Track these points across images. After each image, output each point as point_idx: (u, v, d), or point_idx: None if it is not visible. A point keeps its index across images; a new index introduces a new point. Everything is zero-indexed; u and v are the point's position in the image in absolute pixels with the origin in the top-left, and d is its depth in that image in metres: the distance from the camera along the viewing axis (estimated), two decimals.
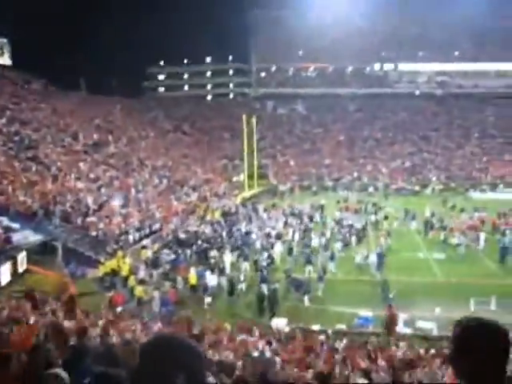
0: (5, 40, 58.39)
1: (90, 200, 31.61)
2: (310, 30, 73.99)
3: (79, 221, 28.80)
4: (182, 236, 30.95)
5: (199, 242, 29.99)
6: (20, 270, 23.22)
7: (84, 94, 63.89)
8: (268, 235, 31.78)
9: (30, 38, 60.83)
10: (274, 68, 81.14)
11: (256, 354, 10.14)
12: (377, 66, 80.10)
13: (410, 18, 76.67)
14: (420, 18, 76.71)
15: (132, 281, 23.52)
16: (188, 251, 28.75)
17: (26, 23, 58.24)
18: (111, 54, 70.79)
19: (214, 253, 27.95)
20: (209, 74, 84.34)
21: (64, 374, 3.95)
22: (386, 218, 36.19)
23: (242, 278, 24.32)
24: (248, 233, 32.57)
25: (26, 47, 59.57)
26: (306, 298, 21.85)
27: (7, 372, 4.47)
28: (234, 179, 52.15)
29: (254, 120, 49.60)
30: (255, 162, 49.05)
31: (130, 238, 28.98)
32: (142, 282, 23.85)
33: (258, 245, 30.32)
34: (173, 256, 27.05)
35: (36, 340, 6.53)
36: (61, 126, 45.37)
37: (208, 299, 22.29)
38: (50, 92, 56.82)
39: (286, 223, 35.22)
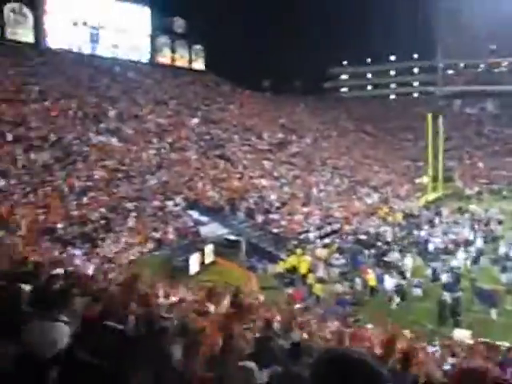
0: (200, 47, 62.63)
1: (272, 197, 32.44)
2: (504, 20, 68.23)
3: (262, 217, 29.68)
4: (362, 237, 30.42)
5: (379, 244, 29.26)
6: (207, 261, 24.51)
7: (269, 95, 65.95)
8: (452, 241, 29.96)
9: (221, 43, 64.26)
10: (462, 64, 76.61)
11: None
12: None
13: None
14: None
15: (311, 278, 23.64)
16: (367, 252, 28.20)
17: (217, 30, 61.57)
18: (295, 55, 72.26)
19: (394, 256, 27.10)
20: (393, 72, 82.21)
21: (253, 366, 3.88)
22: None
23: (418, 283, 23.22)
24: (430, 237, 31.02)
25: (218, 52, 63.11)
26: (492, 311, 20.07)
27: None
28: (417, 181, 50.06)
29: (439, 120, 47.16)
30: (440, 164, 46.64)
31: (311, 236, 29.14)
32: (320, 280, 23.90)
33: (440, 250, 28.72)
34: (342, 261, 26.62)
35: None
36: (247, 125, 47.31)
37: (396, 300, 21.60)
38: (238, 93, 59.60)
39: (472, 229, 32.90)
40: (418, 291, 22.72)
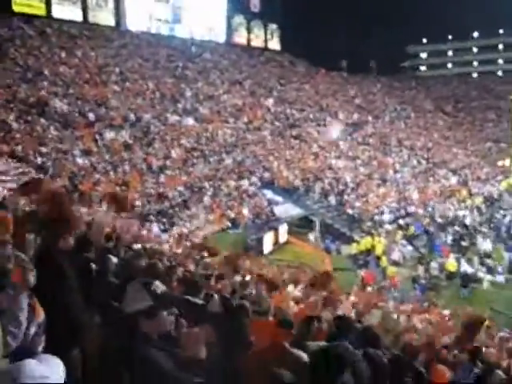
0: (275, 26, 62.31)
1: (347, 178, 32.08)
2: None
3: (336, 198, 29.44)
4: (439, 220, 29.58)
5: (457, 228, 28.37)
6: (281, 240, 24.64)
7: (345, 74, 64.85)
8: None
9: (296, 23, 63.66)
10: None
11: None
12: None
13: None
14: None
15: (384, 261, 23.34)
16: (443, 236, 27.47)
17: (293, 9, 60.90)
18: (371, 33, 70.46)
19: (473, 241, 26.26)
20: (475, 50, 78.68)
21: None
22: None
23: (500, 269, 22.42)
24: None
25: (293, 31, 62.59)
26: None
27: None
28: (499, 163, 48.05)
29: None
30: None
31: (386, 218, 28.64)
32: (394, 263, 23.59)
33: None
34: (418, 244, 25.89)
35: None
36: (322, 105, 46.84)
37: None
38: (313, 73, 58.98)
39: None
40: (500, 278, 21.99)
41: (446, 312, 15.57)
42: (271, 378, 3.31)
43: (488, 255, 24.13)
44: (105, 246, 6.70)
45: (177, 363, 2.58)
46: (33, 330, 2.76)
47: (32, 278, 3.07)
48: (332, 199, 29.40)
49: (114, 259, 6.18)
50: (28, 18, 36.85)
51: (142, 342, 2.61)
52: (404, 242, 26.29)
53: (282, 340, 4.26)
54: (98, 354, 3.12)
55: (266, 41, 61.39)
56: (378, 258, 23.94)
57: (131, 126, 28.56)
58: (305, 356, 4.00)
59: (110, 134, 26.59)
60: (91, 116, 27.46)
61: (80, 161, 23.06)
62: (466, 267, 22.37)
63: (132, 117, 29.21)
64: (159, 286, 2.92)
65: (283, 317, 5.39)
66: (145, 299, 2.75)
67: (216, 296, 6.55)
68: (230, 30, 56.49)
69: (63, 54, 33.74)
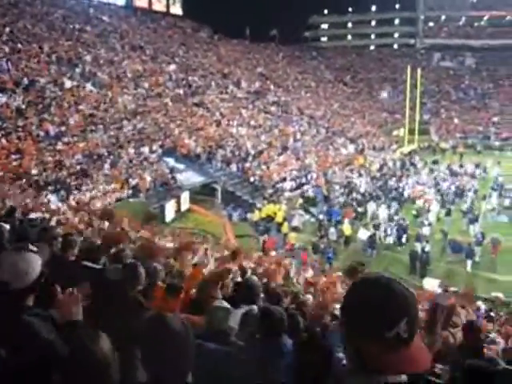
0: None
1: (249, 146, 32.43)
2: None
3: (238, 166, 29.74)
4: (337, 188, 30.75)
5: (354, 195, 29.64)
6: (183, 208, 24.65)
7: (247, 42, 64.90)
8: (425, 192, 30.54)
9: None
10: (443, 17, 75.83)
11: None
12: None
13: None
14: None
15: (285, 228, 24.02)
16: (342, 202, 28.65)
17: None
18: (275, 2, 70.68)
19: (368, 206, 27.57)
20: (373, 23, 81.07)
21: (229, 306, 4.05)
22: None
23: (390, 232, 23.78)
24: (404, 189, 31.55)
25: None
26: (468, 262, 20.61)
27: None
28: (394, 133, 50.42)
29: (418, 72, 47.03)
30: (417, 117, 46.81)
31: (286, 185, 29.36)
32: (295, 229, 24.31)
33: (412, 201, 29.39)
34: (306, 217, 26.74)
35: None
36: (225, 73, 46.74)
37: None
38: (216, 40, 58.60)
39: (445, 181, 33.41)
40: (390, 240, 23.33)
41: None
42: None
43: (381, 220, 25.42)
44: None
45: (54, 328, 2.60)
46: None
47: None
48: (234, 167, 29.64)
49: (7, 226, 6.00)
50: None
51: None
52: (304, 208, 27.13)
53: (167, 309, 4.34)
54: None
55: (167, 5, 60.11)
56: (279, 224, 24.59)
57: (24, 90, 27.10)
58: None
59: (1, 99, 25.15)
60: None
61: None
62: (361, 231, 23.53)
63: (25, 81, 27.71)
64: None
65: (170, 281, 5.46)
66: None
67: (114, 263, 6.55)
68: None
69: None
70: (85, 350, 1.92)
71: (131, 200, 22.83)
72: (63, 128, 25.46)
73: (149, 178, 24.67)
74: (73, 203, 19.71)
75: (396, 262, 21.46)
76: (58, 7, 42.34)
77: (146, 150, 27.29)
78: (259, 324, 3.71)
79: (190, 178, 26.81)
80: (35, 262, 2.69)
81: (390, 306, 1.50)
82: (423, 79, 50.59)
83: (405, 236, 23.36)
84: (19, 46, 31.61)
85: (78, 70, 32.55)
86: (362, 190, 30.84)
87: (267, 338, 3.55)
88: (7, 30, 32.72)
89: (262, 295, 5.66)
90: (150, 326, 2.17)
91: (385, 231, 23.78)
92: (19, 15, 36.71)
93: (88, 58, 35.17)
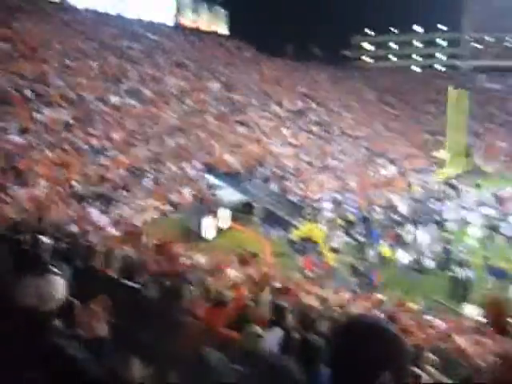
0: (223, 10, 61.97)
1: (289, 165, 32.42)
2: None
3: (278, 184, 29.71)
4: (378, 209, 30.35)
5: (394, 217, 29.21)
6: (221, 225, 24.67)
7: (290, 61, 65.15)
8: (467, 216, 29.84)
9: (244, 7, 63.41)
10: (488, 38, 74.70)
11: None
12: None
13: None
14: None
15: (324, 247, 23.77)
16: (381, 224, 28.23)
17: None
18: (318, 22, 70.94)
19: (408, 229, 27.08)
20: (417, 43, 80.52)
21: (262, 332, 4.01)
22: None
23: (432, 256, 23.27)
24: (445, 211, 30.92)
25: (241, 16, 62.26)
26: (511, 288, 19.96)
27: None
28: (436, 155, 49.59)
29: (462, 94, 46.31)
30: (460, 139, 45.98)
31: (326, 205, 29.15)
32: (333, 250, 24.03)
33: (454, 225, 28.66)
34: (345, 238, 26.38)
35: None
36: (267, 91, 47.00)
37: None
38: (259, 59, 59.03)
39: (489, 206, 32.56)
40: (431, 264, 22.82)
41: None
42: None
43: (421, 243, 24.95)
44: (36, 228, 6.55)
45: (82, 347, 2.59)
46: None
47: None
48: (273, 185, 29.64)
49: (47, 240, 6.09)
50: None
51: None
52: (343, 229, 26.84)
53: (214, 321, 4.33)
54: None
55: (213, 24, 60.92)
56: (318, 244, 24.35)
57: (72, 105, 27.82)
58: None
59: (48, 113, 25.83)
60: (28, 93, 26.56)
61: (16, 139, 22.34)
62: (401, 254, 23.14)
63: (73, 96, 28.46)
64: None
65: (217, 296, 5.47)
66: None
67: (152, 281, 6.58)
68: (178, 12, 55.78)
69: None
70: (115, 377, 1.89)
71: (171, 215, 23.02)
72: (107, 142, 25.97)
73: (188, 194, 24.86)
74: (114, 217, 20.02)
75: (436, 287, 20.95)
76: (108, 26, 43.41)
77: (186, 166, 27.55)
78: (297, 352, 3.65)
79: (229, 195, 26.87)
80: (59, 285, 2.70)
81: (373, 356, 1.46)
82: (468, 101, 49.72)
83: (446, 260, 22.83)
84: (69, 62, 32.50)
85: (123, 87, 33.23)
86: (402, 212, 30.36)
87: (304, 367, 3.48)
88: (59, 47, 33.71)
89: (290, 318, 5.59)
90: (189, 358, 2.15)
91: (425, 255, 23.29)
92: (71, 33, 37.80)
93: (133, 74, 35.90)
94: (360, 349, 1.46)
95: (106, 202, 21.34)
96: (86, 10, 44.45)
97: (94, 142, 25.43)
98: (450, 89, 46.06)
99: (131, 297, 5.22)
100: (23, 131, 23.14)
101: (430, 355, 6.79)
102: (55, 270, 2.85)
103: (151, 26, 49.60)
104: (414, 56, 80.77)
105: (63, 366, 2.35)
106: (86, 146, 24.77)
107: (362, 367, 1.46)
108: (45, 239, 6.07)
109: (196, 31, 57.43)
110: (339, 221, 27.51)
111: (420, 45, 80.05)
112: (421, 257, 23.14)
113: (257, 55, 59.89)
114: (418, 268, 22.35)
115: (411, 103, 64.93)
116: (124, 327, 4.42)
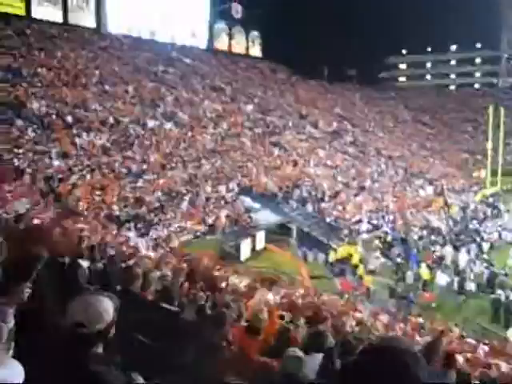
0: (257, 33, 62.55)
1: (326, 186, 32.22)
2: None
3: (314, 206, 29.54)
4: (416, 230, 29.87)
5: (432, 238, 28.70)
6: (258, 247, 24.60)
7: (325, 83, 65.30)
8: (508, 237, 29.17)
9: (278, 30, 63.84)
10: None
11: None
12: None
13: None
14: None
15: (361, 270, 23.46)
16: (420, 246, 27.76)
17: (274, 16, 61.18)
18: (352, 43, 70.94)
19: (447, 250, 26.51)
20: (453, 62, 79.81)
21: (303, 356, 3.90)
22: None
23: (472, 278, 22.68)
24: (486, 233, 30.22)
25: (275, 39, 62.71)
26: None
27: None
28: (475, 175, 48.71)
29: (501, 113, 45.54)
30: (500, 158, 45.12)
31: (363, 226, 28.83)
32: (371, 271, 23.71)
33: (496, 247, 27.97)
34: (394, 253, 25.96)
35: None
36: (303, 113, 47.07)
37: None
38: (294, 80, 59.33)
39: None
40: (471, 287, 22.22)
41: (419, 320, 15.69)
42: None
43: (461, 265, 24.38)
44: (77, 251, 6.56)
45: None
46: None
47: (26, 293, 2.95)
48: (310, 207, 29.47)
49: (85, 264, 6.10)
50: (7, 18, 36.34)
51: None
52: (380, 250, 26.46)
53: (249, 347, 4.23)
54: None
55: (247, 47, 61.58)
56: (355, 266, 24.05)
57: (110, 129, 28.34)
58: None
59: (87, 137, 26.34)
60: (69, 118, 27.17)
61: (57, 163, 22.81)
62: (440, 276, 22.63)
63: (111, 120, 29.00)
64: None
65: (251, 323, 5.38)
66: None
67: (190, 304, 6.51)
68: (212, 35, 56.54)
69: (42, 55, 33.36)
70: None
71: (207, 237, 23.07)
72: (144, 165, 26.29)
73: (225, 217, 24.90)
74: (151, 239, 20.17)
75: (478, 310, 20.38)
76: (142, 51, 44.25)
77: (223, 188, 27.65)
78: (339, 378, 3.51)
79: (265, 217, 26.83)
80: (109, 308, 2.67)
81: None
82: (507, 119, 48.84)
83: (487, 282, 22.22)
84: (106, 87, 33.20)
85: (159, 110, 33.73)
86: (441, 232, 29.80)
87: None
88: (97, 72, 34.49)
89: (332, 342, 5.45)
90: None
91: (466, 277, 22.71)
92: (108, 59, 38.66)
93: (170, 98, 36.42)
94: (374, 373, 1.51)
95: (143, 224, 21.54)
96: (123, 36, 45.38)
97: (132, 165, 25.78)
98: (489, 107, 45.36)
99: (169, 320, 5.17)
100: (64, 155, 23.63)
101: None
102: (106, 292, 2.83)
103: (185, 50, 50.35)
104: (451, 75, 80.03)
105: None
106: (123, 169, 25.13)
107: None
108: (84, 262, 6.10)
109: (230, 54, 58.10)
110: (376, 242, 27.16)
111: (456, 63, 79.26)
112: (461, 279, 22.56)
113: (291, 77, 60.17)
114: (458, 290, 21.79)
115: (448, 123, 64.16)
116: (161, 350, 4.36)
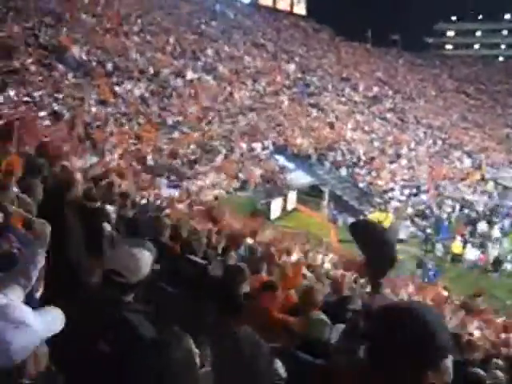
0: None
1: (361, 151, 31.84)
2: None
3: (348, 170, 29.30)
4: (449, 202, 29.41)
5: (466, 212, 28.24)
6: (289, 207, 24.62)
7: (368, 46, 63.79)
8: None
9: None
10: None
11: None
12: None
13: None
14: None
15: None
16: (453, 218, 27.39)
17: None
18: (399, 7, 68.92)
19: (481, 226, 26.08)
20: (505, 32, 76.74)
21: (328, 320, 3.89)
22: None
23: (508, 257, 22.31)
24: None
25: None
26: None
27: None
28: None
29: None
30: None
31: (396, 194, 28.54)
32: (400, 240, 23.52)
33: None
34: (411, 228, 25.63)
35: None
36: (343, 75, 46.26)
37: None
38: (337, 42, 58.12)
39: None
40: (505, 265, 21.88)
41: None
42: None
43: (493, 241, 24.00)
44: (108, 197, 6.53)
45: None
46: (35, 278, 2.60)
47: (48, 233, 2.93)
48: (343, 171, 29.26)
49: (111, 209, 6.11)
50: None
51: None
52: (411, 220, 26.22)
53: (267, 304, 4.23)
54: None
55: (291, 4, 60.38)
56: None
57: (149, 79, 28.31)
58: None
59: (127, 86, 26.39)
60: (109, 66, 27.19)
61: (95, 110, 22.93)
62: (470, 251, 22.34)
63: (150, 70, 28.94)
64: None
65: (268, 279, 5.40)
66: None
67: (216, 258, 6.55)
68: None
69: (85, 1, 33.22)
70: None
71: (239, 194, 23.13)
72: (181, 118, 26.29)
73: (258, 174, 24.88)
74: (184, 192, 20.28)
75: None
76: (186, 2, 43.77)
77: (258, 145, 27.55)
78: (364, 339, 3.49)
79: (298, 177, 26.76)
80: (149, 262, 2.68)
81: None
82: None
83: None
84: (148, 37, 33.04)
85: (200, 63, 33.51)
86: (475, 207, 29.27)
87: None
88: (139, 21, 34.31)
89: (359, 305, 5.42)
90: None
91: (500, 254, 22.37)
92: (150, 8, 38.36)
93: (210, 52, 36.11)
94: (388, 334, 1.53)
95: (176, 176, 21.67)
96: None
97: (169, 116, 25.80)
98: None
99: (195, 272, 5.20)
100: (102, 103, 23.73)
101: (499, 361, 6.45)
102: (147, 244, 2.85)
103: (229, 4, 49.65)
104: (501, 46, 77.10)
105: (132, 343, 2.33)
106: (160, 120, 25.19)
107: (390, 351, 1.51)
108: (111, 208, 6.12)
109: (274, 10, 57.09)
110: (408, 211, 26.89)
111: (508, 33, 76.19)
112: (494, 256, 22.24)
113: (334, 38, 58.95)
114: (491, 268, 21.49)
115: (493, 95, 62.24)
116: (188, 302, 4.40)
